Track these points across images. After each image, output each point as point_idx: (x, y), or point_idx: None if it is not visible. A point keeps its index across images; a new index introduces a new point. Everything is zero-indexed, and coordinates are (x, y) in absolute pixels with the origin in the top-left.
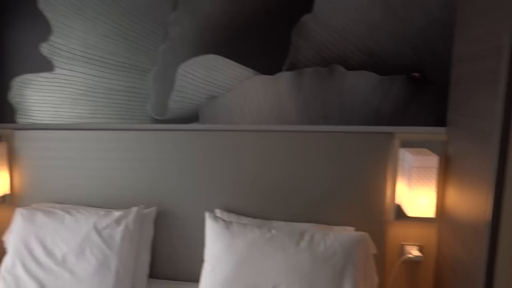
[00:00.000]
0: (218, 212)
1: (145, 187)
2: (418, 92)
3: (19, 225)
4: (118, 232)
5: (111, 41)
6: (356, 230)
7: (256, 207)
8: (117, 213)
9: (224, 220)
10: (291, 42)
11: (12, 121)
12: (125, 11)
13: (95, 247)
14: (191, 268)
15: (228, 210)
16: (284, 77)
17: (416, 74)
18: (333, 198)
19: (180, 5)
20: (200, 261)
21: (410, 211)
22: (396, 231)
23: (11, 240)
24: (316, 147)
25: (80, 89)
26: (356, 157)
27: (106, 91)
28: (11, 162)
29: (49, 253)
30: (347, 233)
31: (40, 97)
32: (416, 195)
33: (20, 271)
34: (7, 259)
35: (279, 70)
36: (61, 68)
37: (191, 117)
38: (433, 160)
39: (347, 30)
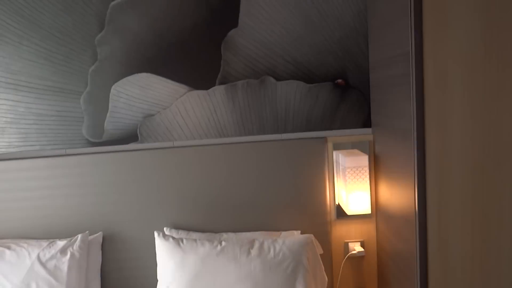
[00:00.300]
0: (167, 230)
1: (89, 213)
2: (343, 98)
3: None
4: (64, 262)
5: (36, 65)
6: (302, 233)
7: (204, 221)
8: (61, 243)
9: (173, 238)
10: (222, 57)
11: None
12: (48, 33)
13: (41, 280)
14: None
15: (177, 227)
16: (218, 91)
17: (340, 80)
18: (277, 204)
19: (107, 25)
20: (154, 281)
21: (349, 210)
22: (339, 230)
23: None
24: (256, 157)
25: (7, 117)
26: (294, 163)
27: (36, 117)
28: None
29: None
30: (294, 237)
31: None
32: (352, 194)
33: None
34: None
35: (212, 84)
36: None
37: (130, 137)
38: (363, 160)
39: (273, 43)
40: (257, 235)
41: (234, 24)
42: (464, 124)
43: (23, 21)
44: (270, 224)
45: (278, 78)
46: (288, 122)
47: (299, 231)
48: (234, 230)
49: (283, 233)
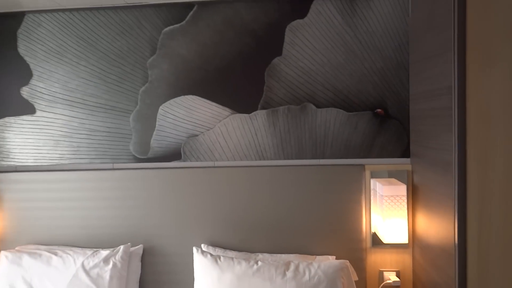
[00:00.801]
0: (204, 246)
1: (131, 225)
2: (382, 127)
3: (4, 268)
4: (106, 271)
5: (91, 83)
6: (337, 258)
7: (241, 240)
8: (104, 252)
9: (211, 254)
10: (265, 83)
11: None
12: (104, 55)
13: (84, 287)
14: None
15: (213, 244)
16: (259, 115)
17: (379, 110)
18: (313, 228)
19: (158, 49)
20: None
21: (385, 238)
22: (374, 258)
23: None
24: (294, 180)
25: (61, 131)
26: (331, 188)
27: (88, 132)
28: None
29: None
30: (330, 261)
31: (21, 139)
32: (389, 222)
33: None
34: None
35: (255, 108)
36: (43, 110)
37: (173, 155)
38: (401, 189)
39: (314, 71)
40: (292, 257)
41: (278, 52)
42: (507, 159)
43: (83, 43)
44: (305, 247)
45: (318, 105)
46: (327, 148)
47: (334, 257)
48: (270, 251)
49: (318, 257)
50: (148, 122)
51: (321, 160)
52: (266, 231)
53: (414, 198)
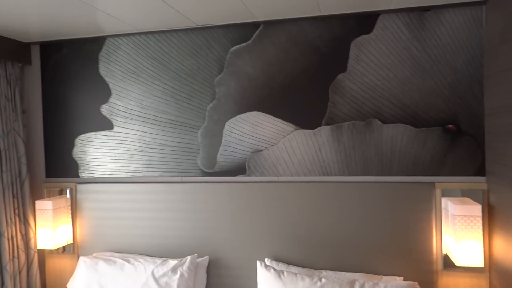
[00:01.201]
0: (268, 261)
1: (198, 236)
2: (454, 143)
3: (82, 272)
4: (174, 280)
5: (163, 101)
6: (405, 279)
7: (304, 256)
8: (172, 262)
9: (275, 269)
10: (329, 99)
11: (76, 175)
12: (176, 74)
13: None
14: None
15: (277, 259)
16: (324, 131)
17: (451, 126)
18: (379, 247)
19: (225, 68)
20: None
21: (459, 261)
22: (447, 281)
23: (75, 287)
24: (359, 197)
25: (136, 145)
26: (398, 206)
27: (159, 147)
28: (74, 214)
29: None
30: (397, 283)
31: (101, 153)
32: (462, 244)
33: None
34: None
35: (318, 124)
36: (119, 126)
37: (238, 170)
38: (476, 209)
39: (380, 86)
40: (357, 276)
41: (343, 68)
42: None
43: (156, 64)
44: (371, 266)
45: (384, 121)
46: (393, 165)
47: (402, 278)
48: (333, 269)
49: (385, 277)
50: (215, 137)
51: (388, 177)
52: (331, 248)
53: (491, 219)
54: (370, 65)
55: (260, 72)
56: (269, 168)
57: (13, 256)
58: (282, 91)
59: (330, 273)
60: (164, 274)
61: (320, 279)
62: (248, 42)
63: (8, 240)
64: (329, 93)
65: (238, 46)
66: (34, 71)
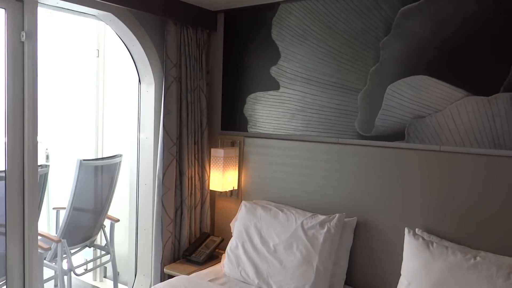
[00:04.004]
0: (418, 231)
1: (348, 197)
2: None
3: (243, 215)
4: (321, 234)
5: (325, 63)
6: None
7: (460, 233)
8: (321, 217)
9: (424, 239)
10: None
11: (245, 130)
12: (340, 36)
13: (301, 244)
14: (385, 283)
15: (429, 231)
16: (501, 98)
17: None
18: None
19: (393, 29)
20: (397, 277)
21: None
22: None
23: (236, 226)
24: None
25: (297, 105)
26: None
27: (319, 108)
28: (241, 164)
29: (264, 241)
30: None
31: (267, 111)
32: None
33: (240, 252)
34: (232, 241)
35: (495, 91)
36: (285, 87)
37: (396, 135)
38: None
39: None
40: None
41: None
42: None
43: (323, 27)
44: None
45: None
46: None
47: None
48: (495, 251)
49: None
50: (375, 101)
51: None
52: (495, 229)
53: None
54: None
55: (430, 33)
56: (430, 136)
57: (190, 193)
58: (454, 53)
59: (489, 254)
60: (312, 227)
61: (474, 257)
62: (421, 1)
63: (188, 179)
64: None
65: (409, 5)
66: (219, 37)
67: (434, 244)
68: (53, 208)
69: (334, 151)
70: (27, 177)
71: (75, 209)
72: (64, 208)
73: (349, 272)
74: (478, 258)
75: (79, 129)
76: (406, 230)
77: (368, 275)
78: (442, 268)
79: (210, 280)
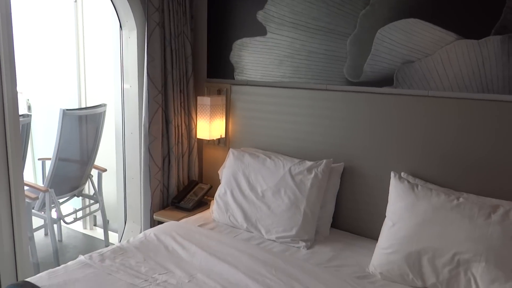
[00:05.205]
0: (404, 175)
1: (335, 144)
2: None
3: (231, 162)
4: (308, 179)
5: (314, 7)
6: None
7: (445, 176)
8: (309, 163)
9: (409, 182)
10: (505, 3)
11: (231, 77)
12: None
13: (289, 189)
14: (371, 225)
15: (414, 175)
16: (491, 42)
17: None
18: None
19: None
20: (381, 219)
21: None
22: None
23: (224, 173)
24: None
25: (285, 52)
26: None
27: (307, 54)
28: (228, 112)
29: (252, 188)
30: None
31: (254, 57)
32: None
33: (229, 198)
34: (220, 187)
35: (486, 34)
36: (272, 32)
37: (385, 81)
38: None
39: None
40: (505, 203)
41: None
42: None
43: None
44: None
45: None
46: None
47: None
48: (477, 193)
49: None
50: (364, 46)
51: None
52: (477, 171)
53: None
54: None
55: None
56: (419, 81)
57: (178, 142)
58: None
59: (472, 196)
60: (300, 173)
61: (457, 198)
62: None
63: (175, 127)
64: None
65: None
66: None
67: (419, 187)
68: (39, 159)
69: (322, 98)
70: (9, 127)
71: (61, 159)
72: (50, 159)
73: (335, 216)
74: (461, 199)
75: (61, 79)
76: (392, 173)
77: (354, 218)
78: (426, 209)
79: (199, 226)
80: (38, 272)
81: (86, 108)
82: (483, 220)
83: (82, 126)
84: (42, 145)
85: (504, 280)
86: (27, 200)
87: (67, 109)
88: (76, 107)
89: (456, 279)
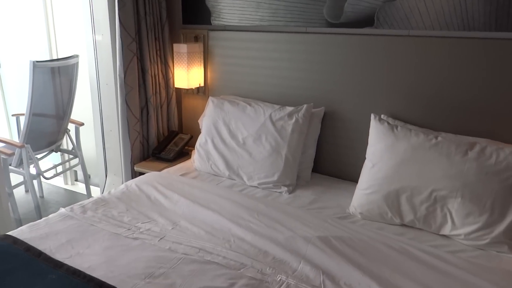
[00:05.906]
0: (384, 116)
1: (316, 88)
2: None
3: (210, 110)
4: (289, 125)
5: None
6: None
7: (424, 116)
8: (289, 108)
9: (389, 123)
10: None
11: (208, 22)
12: None
13: (270, 135)
14: (351, 168)
15: (394, 117)
16: None
17: None
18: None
19: None
20: (361, 160)
21: None
22: None
23: (204, 122)
24: (504, 56)
25: None
26: None
27: None
28: (206, 59)
29: (233, 135)
30: None
31: (230, 1)
32: None
33: (210, 147)
34: (201, 137)
35: None
36: None
37: (366, 21)
38: None
39: None
40: (481, 141)
41: None
42: None
43: None
44: (498, 133)
45: None
46: None
47: None
48: (455, 132)
49: None
50: None
51: None
52: (456, 111)
53: None
54: None
55: None
56: (400, 20)
57: (155, 92)
58: None
59: (450, 135)
60: (280, 118)
61: (436, 137)
62: None
63: (152, 77)
64: None
65: None
66: None
67: (399, 128)
68: (12, 115)
69: (302, 41)
70: None
71: (35, 114)
72: (23, 114)
73: (316, 160)
74: (439, 138)
75: (29, 31)
76: (372, 115)
77: (335, 162)
78: (405, 148)
79: (181, 175)
80: None
81: (57, 59)
82: (459, 158)
83: (55, 79)
84: (16, 100)
85: (478, 214)
86: (2, 156)
87: (37, 61)
88: (48, 59)
89: (432, 215)
